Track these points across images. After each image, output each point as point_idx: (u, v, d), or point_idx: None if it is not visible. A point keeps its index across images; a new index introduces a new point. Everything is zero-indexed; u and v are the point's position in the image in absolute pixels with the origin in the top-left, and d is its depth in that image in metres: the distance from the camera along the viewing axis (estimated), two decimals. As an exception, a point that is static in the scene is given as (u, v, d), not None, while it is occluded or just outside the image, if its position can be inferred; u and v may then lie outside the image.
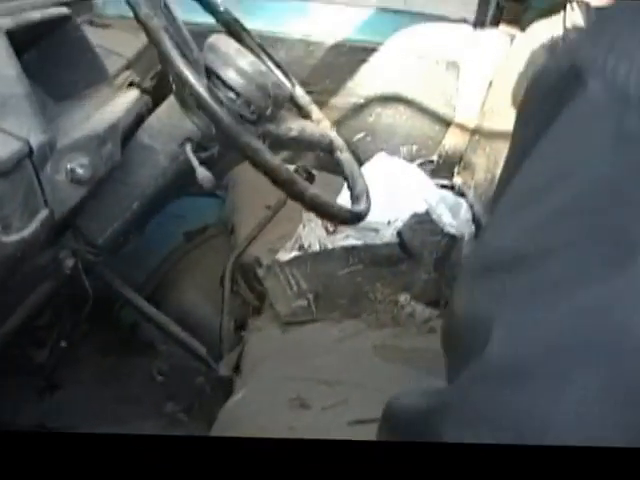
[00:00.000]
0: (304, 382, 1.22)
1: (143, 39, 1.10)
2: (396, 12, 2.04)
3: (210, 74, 1.08)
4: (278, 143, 1.19)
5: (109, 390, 1.69)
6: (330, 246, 1.60)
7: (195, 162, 1.03)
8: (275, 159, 0.95)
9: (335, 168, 1.29)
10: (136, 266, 1.86)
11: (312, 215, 1.75)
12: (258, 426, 1.12)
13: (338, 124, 2.10)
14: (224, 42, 1.09)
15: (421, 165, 2.10)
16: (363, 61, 2.02)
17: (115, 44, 1.64)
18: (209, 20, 1.94)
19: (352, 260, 1.53)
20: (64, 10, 1.22)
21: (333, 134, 1.29)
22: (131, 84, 1.50)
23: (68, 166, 0.95)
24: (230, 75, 1.07)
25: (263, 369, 1.30)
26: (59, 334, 1.42)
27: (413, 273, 1.51)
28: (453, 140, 2.06)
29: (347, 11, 2.01)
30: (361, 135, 2.11)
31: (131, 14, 1.05)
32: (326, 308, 1.45)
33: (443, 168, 2.09)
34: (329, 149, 1.27)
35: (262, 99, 1.08)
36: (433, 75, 2.02)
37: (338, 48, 2.01)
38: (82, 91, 1.28)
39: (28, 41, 1.11)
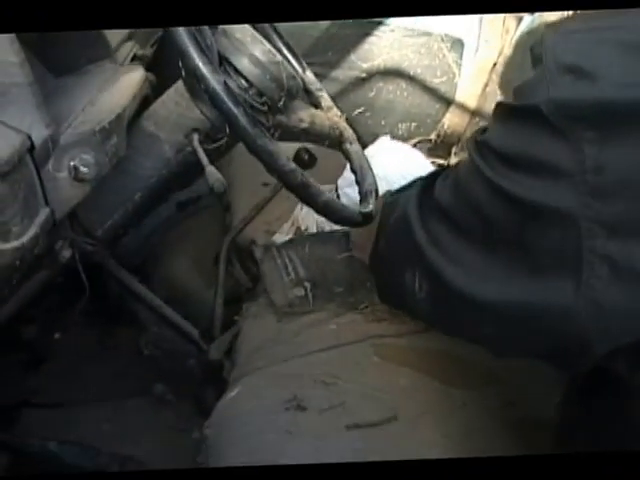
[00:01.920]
0: (301, 381, 1.19)
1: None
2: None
3: (222, 61, 1.02)
4: (288, 134, 1.14)
5: (95, 364, 1.65)
6: (328, 228, 1.56)
7: (204, 158, 0.97)
8: (290, 163, 0.91)
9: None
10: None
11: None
12: (254, 428, 1.10)
13: (338, 98, 2.04)
14: (238, 27, 1.03)
15: (419, 143, 2.05)
16: (367, 35, 1.95)
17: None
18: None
19: (350, 244, 1.48)
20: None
21: (343, 124, 1.23)
22: (134, 58, 1.43)
23: (71, 163, 0.89)
24: (244, 64, 1.01)
25: (258, 363, 1.27)
26: (49, 311, 1.38)
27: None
28: (453, 120, 2.01)
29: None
30: (360, 110, 2.06)
31: None
32: (323, 297, 1.41)
33: (441, 147, 2.05)
34: (338, 141, 1.22)
35: (275, 91, 1.03)
36: (437, 52, 1.96)
37: (342, 20, 1.93)
38: (83, 66, 1.21)
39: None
